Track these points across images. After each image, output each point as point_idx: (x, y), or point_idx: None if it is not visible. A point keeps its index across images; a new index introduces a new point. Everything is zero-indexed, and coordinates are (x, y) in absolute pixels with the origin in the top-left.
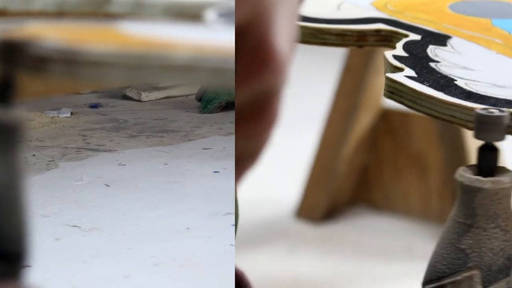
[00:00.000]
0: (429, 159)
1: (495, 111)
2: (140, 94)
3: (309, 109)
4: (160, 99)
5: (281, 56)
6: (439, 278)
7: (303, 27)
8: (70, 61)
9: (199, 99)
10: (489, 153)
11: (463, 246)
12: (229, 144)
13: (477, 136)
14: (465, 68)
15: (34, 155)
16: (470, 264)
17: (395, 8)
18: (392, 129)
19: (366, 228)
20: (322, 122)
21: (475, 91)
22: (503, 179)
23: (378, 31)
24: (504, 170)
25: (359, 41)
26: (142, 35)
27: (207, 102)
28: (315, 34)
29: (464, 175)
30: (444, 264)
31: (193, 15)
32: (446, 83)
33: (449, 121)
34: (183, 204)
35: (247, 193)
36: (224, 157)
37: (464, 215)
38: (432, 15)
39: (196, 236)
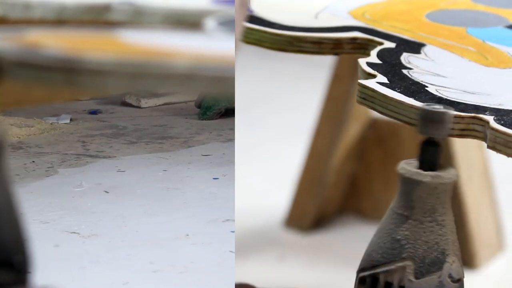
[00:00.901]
0: None
1: (439, 108)
2: (140, 101)
3: (297, 118)
4: (159, 105)
5: None
6: (373, 267)
7: (279, 35)
8: (69, 70)
9: (199, 105)
10: (431, 148)
11: (398, 237)
12: (228, 150)
13: (421, 131)
14: (437, 75)
15: (33, 161)
16: (404, 255)
17: (372, 17)
18: (381, 138)
19: (355, 237)
20: (310, 131)
21: (445, 97)
22: (443, 174)
23: (354, 39)
24: (445, 166)
25: (335, 49)
26: (141, 44)
27: (206, 109)
28: (292, 42)
29: (405, 167)
30: (379, 253)
31: (193, 23)
32: (417, 89)
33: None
34: (183, 210)
35: (236, 202)
36: (223, 163)
37: (402, 207)
38: (409, 24)
39: (196, 243)
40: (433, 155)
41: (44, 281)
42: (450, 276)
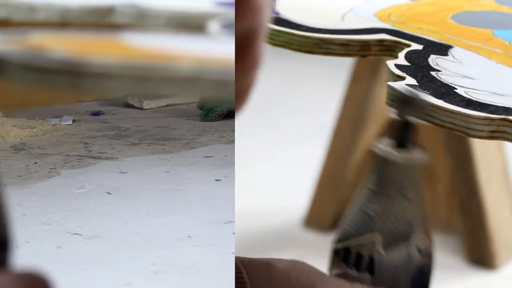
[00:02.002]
0: (436, 169)
1: (414, 91)
2: (142, 102)
3: (317, 119)
4: (161, 107)
5: None
6: (346, 239)
7: (307, 37)
8: (73, 73)
9: (201, 107)
10: (404, 129)
11: (369, 211)
12: (230, 152)
13: (397, 113)
14: (465, 77)
15: (35, 162)
16: (374, 229)
17: (398, 19)
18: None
19: None
20: (330, 131)
21: (474, 99)
22: (413, 153)
23: (381, 41)
24: (417, 146)
25: (362, 51)
26: (145, 47)
27: (208, 111)
28: (319, 44)
29: (378, 146)
30: (351, 226)
31: (196, 26)
32: (446, 92)
33: (449, 128)
34: (185, 212)
35: (256, 202)
36: (225, 165)
37: (374, 183)
38: (435, 26)
39: (198, 244)
40: (406, 134)
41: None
42: (418, 249)
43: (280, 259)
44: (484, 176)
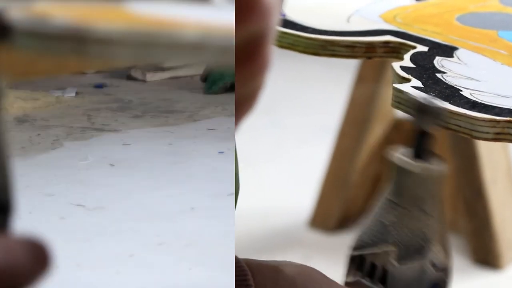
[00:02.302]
0: None
1: (432, 101)
2: (145, 75)
3: (322, 119)
4: (165, 79)
5: (266, 0)
6: (361, 247)
7: (313, 39)
8: (77, 39)
9: (204, 79)
10: (423, 139)
11: (386, 222)
12: (234, 125)
13: (415, 122)
14: (470, 78)
15: (39, 134)
16: (389, 240)
17: (403, 21)
18: (405, 140)
19: None
20: (335, 132)
21: (479, 101)
22: (433, 165)
23: (386, 42)
24: (437, 158)
25: (368, 53)
26: (149, 14)
27: (212, 83)
28: (325, 46)
29: (397, 156)
30: (368, 236)
31: None
32: (451, 93)
33: (454, 130)
34: (188, 184)
35: (260, 202)
36: (229, 137)
37: (393, 194)
38: (440, 27)
39: (201, 216)
40: (425, 146)
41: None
42: (433, 264)
43: (289, 264)
44: (489, 177)
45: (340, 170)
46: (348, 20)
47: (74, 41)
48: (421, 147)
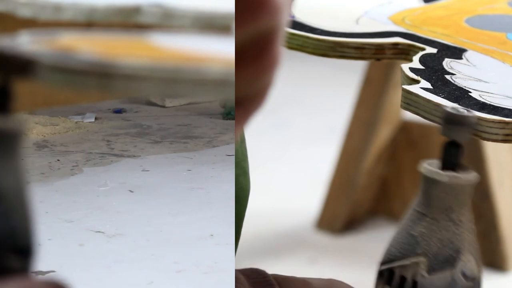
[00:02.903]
0: None
1: (462, 111)
2: (164, 100)
3: (329, 121)
4: (184, 105)
5: None
6: (390, 261)
7: (322, 41)
8: (102, 74)
9: (223, 105)
10: (452, 150)
11: (415, 234)
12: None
13: (443, 133)
14: (479, 80)
15: (58, 160)
16: (418, 251)
17: (412, 23)
18: (412, 141)
19: (386, 239)
20: (342, 134)
21: (488, 102)
22: (461, 175)
23: (395, 44)
24: (466, 168)
25: (377, 54)
26: (173, 48)
27: (230, 109)
28: (334, 48)
29: (426, 167)
30: (397, 248)
31: (223, 27)
32: (460, 95)
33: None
34: (207, 210)
35: (268, 203)
36: None
37: (421, 205)
38: (449, 29)
39: (220, 243)
40: (454, 156)
41: (68, 279)
42: (463, 274)
43: (318, 278)
44: (496, 179)
45: (347, 172)
46: (357, 22)
47: (99, 76)
48: (449, 157)
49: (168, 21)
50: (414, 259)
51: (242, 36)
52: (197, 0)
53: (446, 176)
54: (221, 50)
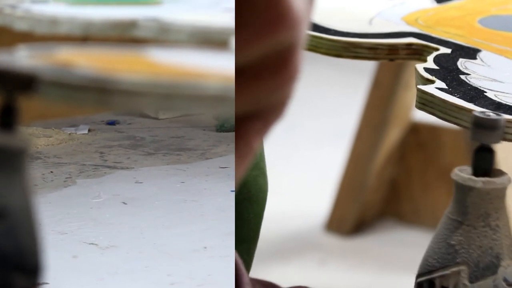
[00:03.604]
0: None
1: (492, 115)
2: (157, 112)
3: (338, 123)
4: (177, 117)
5: (296, 10)
6: (430, 272)
7: (335, 41)
8: (101, 90)
9: (217, 117)
10: (484, 155)
11: (453, 242)
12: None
13: (473, 138)
14: (494, 80)
15: (51, 171)
16: (458, 260)
17: (425, 23)
18: (421, 143)
19: (395, 241)
20: (351, 135)
21: (504, 102)
22: (495, 180)
23: (409, 44)
24: (498, 172)
25: (391, 55)
26: (171, 63)
27: (224, 121)
28: (348, 48)
29: (458, 174)
30: (435, 259)
31: (219, 42)
32: (476, 95)
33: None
34: (200, 223)
35: (276, 205)
36: None
37: (456, 213)
38: (462, 30)
39: (213, 256)
40: (486, 161)
41: None
42: (505, 280)
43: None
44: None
45: (356, 174)
46: (370, 23)
47: (98, 92)
48: (481, 162)
49: (165, 36)
50: (454, 268)
51: (262, 49)
52: (194, 14)
53: (480, 182)
54: (219, 65)
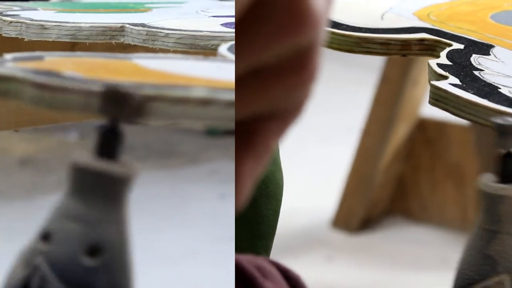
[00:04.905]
0: (466, 170)
1: None
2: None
3: (346, 119)
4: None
5: (316, 11)
6: (469, 285)
7: (347, 36)
8: (88, 94)
9: None
10: (509, 160)
11: (491, 253)
12: (234, 168)
13: (498, 145)
14: (508, 76)
15: (41, 177)
16: (499, 270)
17: (437, 18)
18: (429, 140)
19: (403, 238)
20: (359, 132)
21: None
22: None
23: (421, 40)
24: None
25: (403, 50)
26: (157, 69)
27: (212, 126)
28: (360, 43)
29: (486, 184)
30: (473, 271)
31: (205, 48)
32: (490, 91)
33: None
34: (190, 228)
35: (283, 202)
36: (230, 181)
37: (490, 222)
38: (475, 25)
39: (202, 261)
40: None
41: None
42: None
43: None
44: None
45: (364, 170)
46: (382, 18)
47: (84, 97)
48: (507, 169)
49: (152, 42)
50: (496, 279)
51: (282, 49)
52: (181, 21)
53: (510, 190)
54: (204, 71)
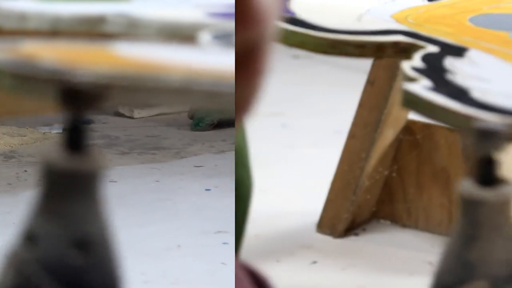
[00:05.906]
0: (452, 174)
1: (494, 125)
2: (132, 111)
3: (333, 122)
4: (152, 116)
5: (260, 7)
6: None
7: (322, 38)
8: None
9: (191, 117)
10: (489, 166)
11: (469, 257)
12: (221, 162)
13: (477, 149)
14: (481, 79)
15: (25, 170)
16: (478, 275)
17: (415, 21)
18: (416, 144)
19: (388, 242)
20: (345, 135)
21: (489, 101)
22: (505, 190)
23: (396, 43)
24: (504, 181)
25: (378, 52)
26: (136, 57)
27: (199, 120)
28: (334, 45)
29: (465, 189)
30: (451, 277)
31: (187, 36)
32: (461, 94)
33: (464, 131)
34: (174, 221)
35: (269, 205)
36: (215, 175)
37: (468, 227)
38: (452, 28)
39: (187, 254)
40: (492, 172)
41: None
42: None
43: None
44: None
45: (350, 174)
46: (359, 20)
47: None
48: (487, 174)
49: (133, 30)
50: (476, 285)
51: None
52: (163, 10)
53: (492, 194)
54: (184, 59)
